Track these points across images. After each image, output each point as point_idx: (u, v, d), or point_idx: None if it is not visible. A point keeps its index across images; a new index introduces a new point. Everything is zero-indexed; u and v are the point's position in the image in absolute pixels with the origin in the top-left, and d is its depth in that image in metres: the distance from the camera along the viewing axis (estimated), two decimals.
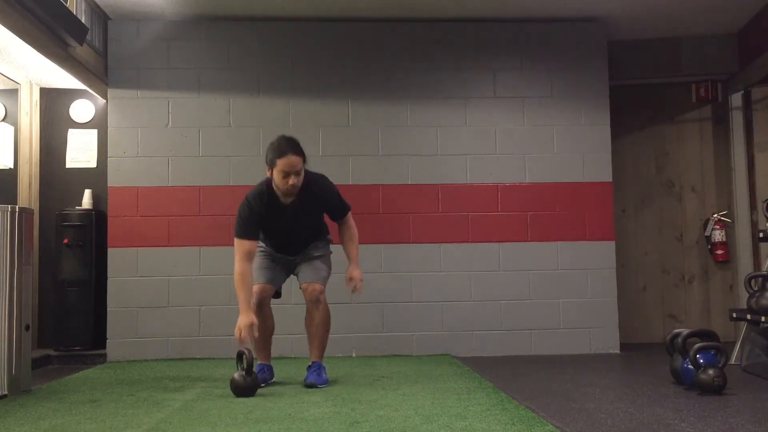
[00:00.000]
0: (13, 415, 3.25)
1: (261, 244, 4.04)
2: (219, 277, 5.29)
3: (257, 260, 3.97)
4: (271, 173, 3.82)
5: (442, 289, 5.38)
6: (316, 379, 3.88)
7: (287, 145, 3.80)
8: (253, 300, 3.93)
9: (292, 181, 3.78)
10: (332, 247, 4.16)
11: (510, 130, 5.53)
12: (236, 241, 3.86)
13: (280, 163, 3.76)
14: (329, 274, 4.06)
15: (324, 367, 3.97)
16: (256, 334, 3.77)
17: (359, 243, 4.11)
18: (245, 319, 3.74)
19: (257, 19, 5.47)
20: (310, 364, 3.99)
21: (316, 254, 4.03)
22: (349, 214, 4.09)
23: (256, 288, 3.95)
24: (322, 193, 3.98)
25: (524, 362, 4.97)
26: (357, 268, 3.99)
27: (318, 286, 3.94)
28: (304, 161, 3.85)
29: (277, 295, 4.13)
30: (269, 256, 4.04)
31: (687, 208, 6.15)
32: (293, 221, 3.93)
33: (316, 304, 3.94)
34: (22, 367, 3.83)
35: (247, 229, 3.86)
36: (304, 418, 3.03)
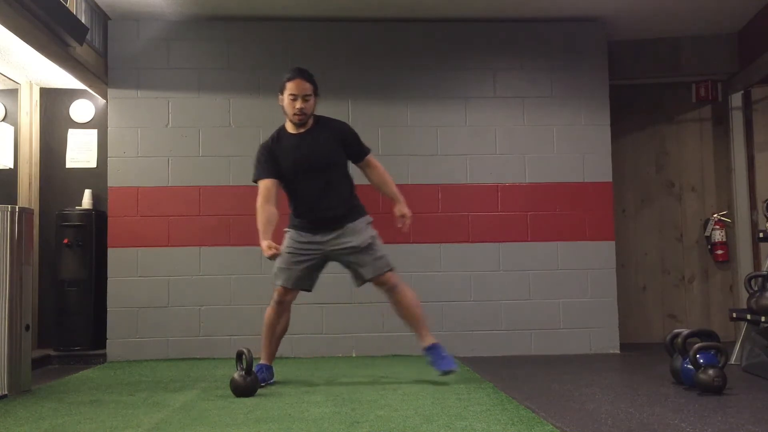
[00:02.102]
0: (13, 415, 3.25)
1: (290, 230, 3.94)
2: (219, 277, 5.30)
3: (282, 257, 3.87)
4: (282, 100, 3.86)
5: (442, 289, 5.38)
6: (448, 365, 3.85)
7: (298, 70, 3.87)
8: (274, 296, 3.92)
9: (299, 104, 3.80)
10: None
11: (510, 130, 5.53)
12: (258, 183, 3.88)
13: (289, 86, 3.83)
14: (385, 253, 3.94)
15: (441, 347, 3.92)
16: (274, 251, 3.73)
17: None
18: (264, 245, 3.74)
19: (257, 19, 5.47)
20: (427, 346, 3.91)
21: (367, 242, 3.88)
22: (372, 156, 4.06)
23: (277, 291, 3.93)
24: (337, 125, 3.98)
25: (524, 362, 4.97)
26: (405, 205, 3.99)
27: (388, 276, 3.88)
28: (316, 91, 3.87)
29: (307, 289, 4.03)
30: (296, 253, 3.89)
31: (687, 208, 6.15)
32: (304, 153, 3.85)
33: (396, 291, 3.89)
34: (22, 367, 3.84)
35: (260, 168, 3.89)
36: (304, 418, 3.03)
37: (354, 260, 3.91)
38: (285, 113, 3.91)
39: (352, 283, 4.05)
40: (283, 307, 3.97)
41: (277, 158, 3.89)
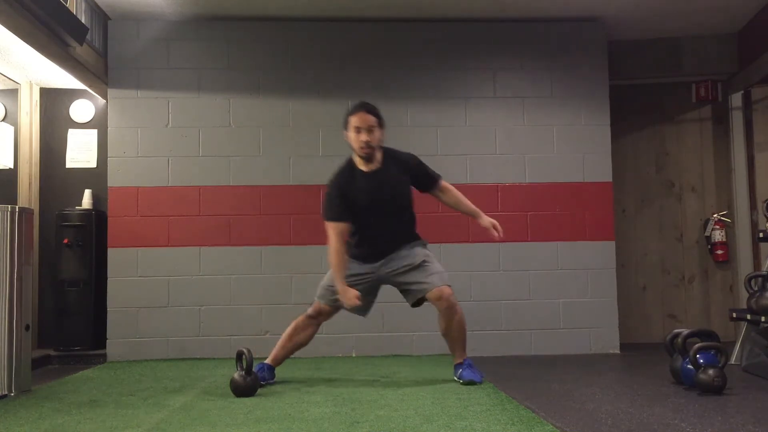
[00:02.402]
0: (13, 415, 3.25)
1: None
2: (219, 277, 5.30)
3: (331, 276, 3.88)
4: (348, 136, 3.82)
5: None
6: (474, 376, 3.87)
7: (361, 104, 3.86)
8: (309, 311, 3.96)
9: (364, 137, 3.75)
10: None
11: (510, 130, 5.53)
12: (328, 224, 3.82)
13: (353, 120, 3.79)
14: (443, 270, 3.94)
15: (473, 364, 3.96)
16: (357, 302, 3.75)
17: None
18: (347, 295, 3.74)
19: (257, 19, 5.47)
20: (459, 362, 3.95)
21: (421, 259, 3.88)
22: (444, 181, 4.04)
23: (316, 305, 3.97)
24: (404, 159, 3.95)
25: (524, 362, 4.97)
26: (486, 216, 4.00)
27: (447, 290, 3.83)
28: (381, 123, 3.83)
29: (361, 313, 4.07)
30: (352, 280, 3.86)
31: (687, 208, 6.15)
32: (376, 193, 3.83)
33: (452, 310, 3.84)
34: (22, 367, 3.84)
35: (336, 210, 3.81)
36: (304, 418, 3.03)
37: (409, 279, 3.90)
38: (352, 148, 3.84)
39: (408, 305, 4.03)
40: (312, 321, 4.00)
41: (349, 198, 3.82)
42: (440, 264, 3.99)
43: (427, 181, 4.03)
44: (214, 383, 4.07)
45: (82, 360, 5.20)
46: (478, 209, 4.05)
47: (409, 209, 4.00)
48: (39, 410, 3.35)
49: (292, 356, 4.98)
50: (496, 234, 3.97)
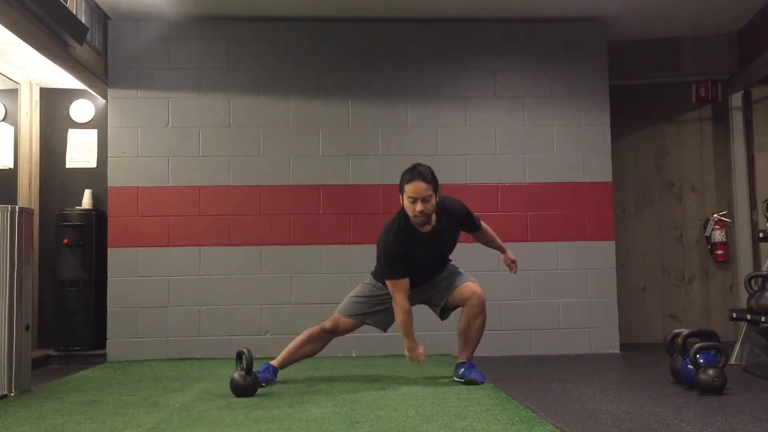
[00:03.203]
0: (13, 415, 3.25)
1: (374, 281, 4.01)
2: (219, 277, 5.30)
3: (358, 299, 3.99)
4: (402, 201, 3.83)
5: None
6: (476, 375, 3.91)
7: (415, 172, 3.79)
8: (327, 324, 3.99)
9: (419, 207, 3.74)
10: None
11: (510, 130, 5.53)
12: (390, 282, 3.82)
13: (407, 189, 3.77)
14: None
15: (475, 364, 4.00)
16: (424, 360, 3.86)
17: None
18: (416, 351, 3.85)
19: (257, 19, 5.47)
20: (463, 361, 3.99)
21: (449, 271, 4.03)
22: (481, 221, 4.17)
23: (336, 319, 4.01)
24: (456, 212, 4.00)
25: (524, 362, 4.97)
26: (510, 251, 4.23)
27: (480, 290, 3.94)
28: (435, 190, 3.81)
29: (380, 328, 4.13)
30: (374, 302, 4.00)
31: (687, 208, 6.15)
32: (433, 249, 3.92)
33: (480, 308, 3.93)
34: (22, 367, 3.84)
35: (398, 269, 3.81)
36: (304, 418, 3.03)
37: (439, 286, 4.00)
38: (407, 212, 3.83)
39: (438, 317, 4.12)
40: (328, 335, 4.02)
41: (409, 257, 3.83)
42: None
43: (472, 228, 4.15)
44: (214, 383, 4.07)
45: (82, 360, 5.20)
46: (505, 247, 4.27)
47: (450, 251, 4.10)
48: (39, 410, 3.35)
49: None
50: (511, 271, 4.22)
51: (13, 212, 3.83)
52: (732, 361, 4.45)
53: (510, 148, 5.51)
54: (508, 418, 2.98)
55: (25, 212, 3.94)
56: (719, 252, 5.99)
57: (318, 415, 3.11)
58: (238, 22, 5.48)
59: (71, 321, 5.28)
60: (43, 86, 5.68)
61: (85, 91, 5.63)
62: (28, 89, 5.57)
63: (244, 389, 3.60)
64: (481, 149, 5.49)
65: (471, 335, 3.98)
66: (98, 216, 5.44)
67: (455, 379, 3.98)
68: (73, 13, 4.61)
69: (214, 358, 5.17)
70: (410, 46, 5.54)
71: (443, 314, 4.10)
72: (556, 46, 5.59)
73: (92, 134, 5.72)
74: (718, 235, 5.99)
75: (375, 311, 4.03)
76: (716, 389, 3.55)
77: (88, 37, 4.87)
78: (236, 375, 3.64)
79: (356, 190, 5.40)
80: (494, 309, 5.37)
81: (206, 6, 5.25)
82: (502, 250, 4.27)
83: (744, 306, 4.81)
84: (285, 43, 5.48)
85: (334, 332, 4.02)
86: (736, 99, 6.05)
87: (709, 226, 6.04)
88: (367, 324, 4.07)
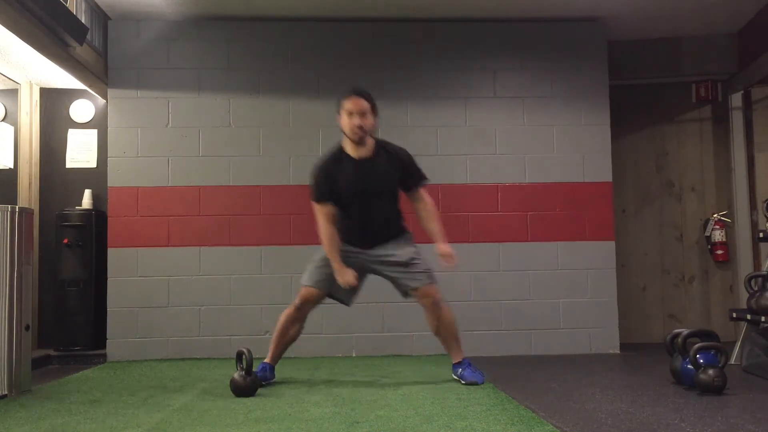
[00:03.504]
0: (13, 415, 3.25)
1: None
2: (219, 277, 5.30)
3: (319, 263, 3.92)
4: (340, 121, 3.85)
5: (443, 289, 5.33)
6: (476, 377, 3.88)
7: (355, 89, 3.90)
8: (296, 301, 3.95)
9: (356, 120, 3.77)
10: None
11: (510, 130, 5.53)
12: (315, 206, 3.87)
13: (346, 104, 3.82)
14: (430, 266, 3.97)
15: (472, 363, 3.97)
16: (354, 282, 3.81)
17: None
18: (343, 273, 3.79)
19: (257, 19, 5.47)
20: (458, 361, 3.97)
21: (409, 256, 3.91)
22: (425, 190, 4.04)
23: (302, 291, 3.96)
24: (397, 151, 3.96)
25: (524, 362, 4.97)
26: (446, 244, 3.95)
27: (432, 289, 3.91)
28: (375, 111, 3.86)
29: (344, 301, 4.06)
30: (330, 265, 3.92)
31: (687, 208, 6.15)
32: (363, 180, 3.84)
33: (437, 307, 3.90)
34: (22, 367, 3.83)
35: (322, 191, 3.85)
36: (304, 418, 3.04)
37: (396, 274, 3.93)
38: (344, 132, 3.86)
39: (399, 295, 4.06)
40: (301, 312, 3.98)
41: (336, 181, 3.85)
42: (428, 261, 3.98)
43: (412, 180, 4.00)
44: (214, 383, 4.07)
45: (82, 360, 5.20)
46: (441, 234, 3.98)
47: (395, 203, 4.00)
48: (39, 410, 3.35)
49: (293, 356, 4.98)
50: (445, 264, 3.94)
51: (13, 212, 3.83)
52: (732, 361, 4.45)
53: (510, 148, 5.51)
54: (508, 418, 2.98)
55: (25, 212, 3.94)
56: (719, 252, 5.99)
57: (318, 415, 3.11)
58: (238, 22, 5.48)
59: (71, 321, 5.28)
60: (43, 86, 5.68)
61: (85, 91, 5.63)
62: (28, 89, 5.57)
63: (244, 389, 3.61)
64: (481, 149, 5.49)
65: (443, 334, 3.98)
66: (98, 216, 5.44)
67: (454, 377, 3.97)
68: (73, 13, 4.61)
69: (214, 358, 5.17)
70: (410, 46, 5.54)
71: (406, 296, 4.04)
72: (556, 46, 5.59)
73: (92, 134, 5.72)
74: (718, 235, 5.99)
75: (326, 280, 3.91)
76: (716, 389, 3.55)
77: (88, 37, 4.87)
78: (236, 375, 3.64)
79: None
80: (494, 309, 5.39)
81: (206, 6, 5.25)
82: (438, 237, 3.97)
83: (744, 306, 4.81)
84: (285, 43, 5.48)
85: (304, 306, 3.96)
86: (736, 99, 6.04)
87: (709, 226, 6.04)
88: (332, 298, 3.98)
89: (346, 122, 3.82)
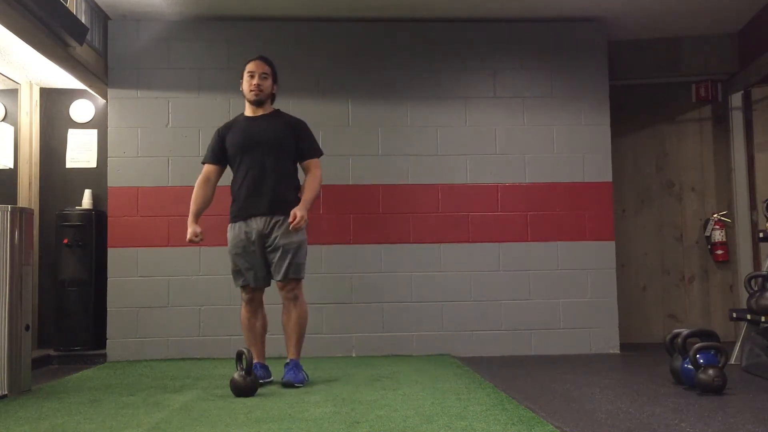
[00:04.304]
0: (13, 415, 3.25)
1: (229, 226, 4.01)
2: (219, 277, 5.29)
3: (231, 259, 4.01)
4: (242, 85, 4.05)
5: (442, 289, 5.38)
6: (293, 377, 3.87)
7: (259, 55, 4.13)
8: (244, 298, 4.04)
9: (256, 80, 3.97)
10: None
11: (510, 130, 5.53)
12: (203, 167, 4.11)
13: (248, 66, 4.05)
14: (305, 260, 4.00)
15: (301, 366, 3.98)
16: (197, 239, 3.95)
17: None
18: (189, 230, 3.97)
19: (257, 19, 5.47)
20: (292, 359, 3.97)
21: (292, 245, 3.90)
22: (318, 162, 4.06)
23: (242, 293, 4.05)
24: (294, 119, 4.11)
25: (524, 362, 4.97)
26: (303, 209, 3.88)
27: (294, 284, 3.95)
28: (274, 76, 4.08)
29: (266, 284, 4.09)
30: (239, 252, 3.96)
31: (687, 208, 6.15)
32: (254, 134, 3.95)
33: (293, 301, 3.96)
34: (22, 367, 3.84)
35: (208, 153, 4.10)
36: (304, 418, 3.03)
37: (274, 258, 3.94)
38: (244, 95, 4.06)
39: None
40: (254, 304, 4.06)
41: (224, 140, 4.03)
42: (304, 253, 4.00)
43: (306, 149, 4.05)
44: (214, 383, 4.07)
45: (82, 360, 5.20)
46: (306, 201, 3.93)
47: (284, 161, 4.00)
48: (39, 410, 3.35)
49: None
50: (290, 221, 3.84)
51: (13, 212, 3.83)
52: (732, 361, 4.45)
53: (510, 148, 5.51)
54: (508, 418, 2.98)
55: (25, 212, 3.95)
56: (719, 252, 5.99)
57: (318, 415, 3.11)
58: (238, 22, 5.48)
59: (71, 321, 5.28)
60: (43, 86, 5.68)
61: (85, 91, 5.63)
62: (28, 89, 5.57)
63: (244, 389, 3.61)
64: (481, 149, 5.49)
65: (293, 328, 3.97)
66: (98, 216, 5.44)
67: (282, 379, 3.90)
68: (73, 13, 4.61)
69: (214, 358, 5.17)
70: (410, 46, 5.54)
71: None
72: (556, 46, 5.59)
73: (92, 134, 5.72)
74: (718, 235, 5.99)
75: (245, 266, 3.96)
76: (716, 389, 3.55)
77: (88, 37, 4.87)
78: (236, 375, 3.64)
79: (356, 190, 5.40)
80: (494, 309, 5.39)
81: (206, 6, 5.25)
82: (301, 202, 3.90)
83: (744, 306, 4.81)
84: (285, 43, 5.48)
85: (252, 299, 4.04)
86: (736, 99, 6.04)
87: (709, 226, 6.04)
88: (255, 284, 3.99)
89: (246, 83, 4.04)
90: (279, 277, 3.93)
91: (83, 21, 4.81)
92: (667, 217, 6.15)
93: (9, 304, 3.78)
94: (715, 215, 6.03)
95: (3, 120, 5.64)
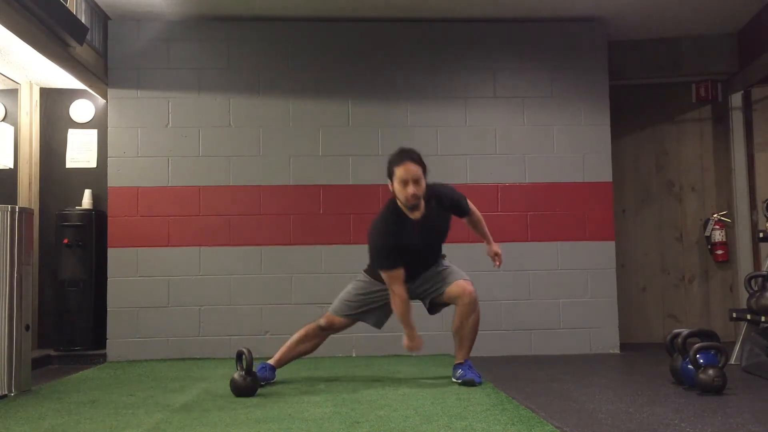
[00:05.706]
0: (13, 415, 3.25)
1: (367, 276, 3.99)
2: (219, 277, 5.30)
3: (350, 296, 3.99)
4: (392, 186, 3.78)
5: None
6: (475, 376, 3.88)
7: (405, 154, 3.77)
8: (321, 321, 4.00)
9: (411, 189, 3.71)
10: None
11: (510, 130, 5.53)
12: (386, 274, 3.78)
13: (398, 171, 3.72)
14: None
15: (472, 365, 3.99)
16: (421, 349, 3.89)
17: None
18: (415, 341, 3.85)
19: (257, 19, 5.47)
20: (460, 362, 3.96)
21: (441, 267, 3.99)
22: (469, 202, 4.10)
23: (330, 317, 4.01)
24: (447, 197, 3.95)
25: (524, 362, 4.97)
26: (496, 244, 4.20)
27: (471, 288, 3.91)
28: (425, 171, 3.78)
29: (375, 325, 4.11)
30: (367, 301, 3.98)
31: (687, 208, 6.15)
32: (425, 237, 3.87)
33: (472, 306, 3.90)
34: (22, 367, 3.84)
35: (393, 259, 3.77)
36: (304, 418, 3.03)
37: (430, 282, 3.96)
38: (397, 198, 3.81)
39: (428, 312, 4.10)
40: (323, 332, 4.04)
41: (401, 245, 3.79)
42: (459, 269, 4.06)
43: (462, 212, 4.09)
44: (214, 383, 4.07)
45: (82, 360, 5.20)
46: (490, 237, 4.23)
47: (442, 241, 4.07)
48: (39, 410, 3.35)
49: None
50: (495, 264, 4.19)
51: (13, 212, 3.83)
52: (732, 361, 4.46)
53: (510, 148, 5.51)
54: (508, 418, 2.98)
55: (25, 212, 3.94)
56: (719, 252, 5.99)
57: (318, 415, 3.11)
58: (238, 22, 5.48)
59: (71, 321, 5.28)
60: (43, 86, 5.68)
61: (85, 91, 5.63)
62: (28, 89, 5.57)
63: (244, 389, 3.61)
64: (481, 149, 5.49)
65: (464, 335, 3.96)
66: (98, 216, 5.44)
67: (453, 380, 3.97)
68: (73, 13, 4.61)
69: (214, 358, 5.17)
70: (410, 46, 5.54)
71: (432, 309, 4.08)
72: (556, 46, 5.59)
73: (92, 134, 5.72)
74: (718, 235, 5.99)
75: (369, 310, 4.02)
76: (716, 389, 3.55)
77: (88, 37, 4.87)
78: (236, 375, 3.64)
79: (356, 190, 5.40)
80: (494, 309, 5.38)
81: (206, 6, 5.25)
82: (488, 241, 4.23)
83: (744, 306, 4.81)
84: (285, 43, 5.48)
85: (329, 329, 4.03)
86: (736, 99, 6.04)
87: (709, 226, 6.04)
88: (362, 321, 4.06)
89: (400, 191, 3.74)
90: (454, 281, 3.94)
91: (83, 21, 4.81)
92: (667, 217, 6.15)
93: (9, 304, 3.78)
94: (715, 215, 6.03)
95: (3, 120, 5.64)
